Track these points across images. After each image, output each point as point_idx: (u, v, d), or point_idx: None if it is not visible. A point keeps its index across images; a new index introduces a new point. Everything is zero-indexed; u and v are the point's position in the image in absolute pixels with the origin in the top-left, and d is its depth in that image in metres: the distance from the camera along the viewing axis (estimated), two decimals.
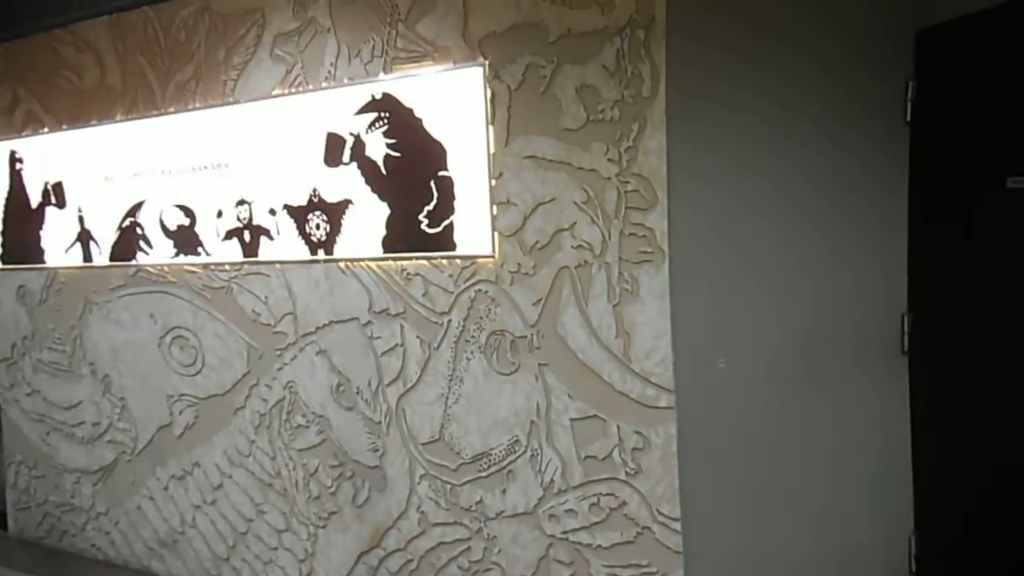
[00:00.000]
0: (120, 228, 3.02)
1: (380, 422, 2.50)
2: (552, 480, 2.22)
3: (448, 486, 2.40)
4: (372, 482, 2.54)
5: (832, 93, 2.06)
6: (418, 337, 2.40)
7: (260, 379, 2.75)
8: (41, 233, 3.25)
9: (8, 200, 3.33)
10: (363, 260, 2.47)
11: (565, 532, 2.22)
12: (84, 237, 3.12)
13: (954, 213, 2.10)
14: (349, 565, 2.61)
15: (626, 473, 2.11)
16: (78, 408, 3.26)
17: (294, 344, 2.66)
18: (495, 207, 2.22)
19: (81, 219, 3.12)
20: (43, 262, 3.27)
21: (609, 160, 2.04)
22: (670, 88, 1.95)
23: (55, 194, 3.18)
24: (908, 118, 2.12)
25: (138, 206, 2.95)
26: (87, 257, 3.13)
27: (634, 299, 2.05)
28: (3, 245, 3.38)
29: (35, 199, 3.24)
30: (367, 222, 2.43)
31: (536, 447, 2.24)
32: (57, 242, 3.21)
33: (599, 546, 2.17)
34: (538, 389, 2.22)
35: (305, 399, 2.65)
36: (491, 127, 2.19)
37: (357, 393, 2.54)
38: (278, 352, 2.69)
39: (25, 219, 3.28)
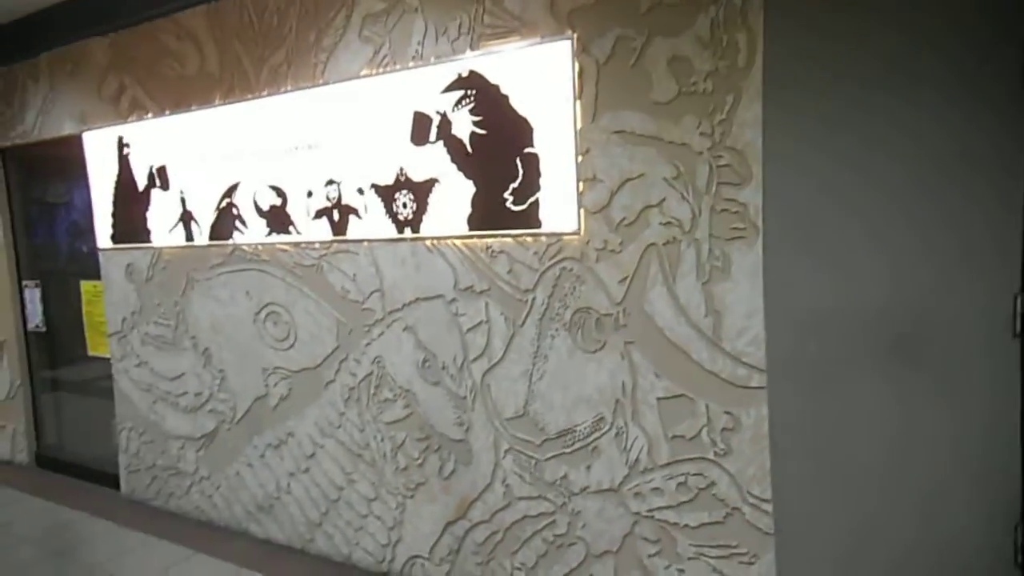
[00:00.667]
0: (218, 209, 3.17)
1: (465, 397, 2.55)
2: (638, 458, 2.22)
3: (533, 461, 2.43)
4: (458, 455, 2.60)
5: (950, 53, 1.93)
6: (503, 314, 2.43)
7: (349, 354, 2.85)
8: (147, 214, 3.46)
9: (118, 183, 3.55)
10: (449, 238, 2.51)
11: (651, 510, 2.21)
12: (186, 218, 3.30)
13: None
14: (436, 534, 2.69)
15: (715, 453, 2.08)
16: (181, 379, 3.47)
17: (381, 320, 2.73)
18: (581, 184, 2.20)
19: (183, 200, 3.29)
20: (149, 242, 3.48)
21: (701, 134, 1.99)
22: (767, 57, 1.87)
23: (159, 177, 3.36)
24: None
25: (234, 187, 3.09)
26: (189, 236, 3.30)
27: (725, 277, 2.01)
28: (113, 226, 3.62)
29: (142, 182, 3.44)
30: (453, 200, 2.46)
31: (622, 425, 2.23)
32: (162, 223, 3.41)
33: (686, 525, 2.15)
34: (624, 367, 2.21)
35: (392, 374, 2.73)
36: (578, 102, 2.17)
37: (443, 369, 2.60)
38: (366, 328, 2.78)
39: (133, 201, 3.49)
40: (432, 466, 2.67)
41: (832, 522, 2.05)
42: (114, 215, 3.60)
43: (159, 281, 3.49)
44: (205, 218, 3.23)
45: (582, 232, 2.22)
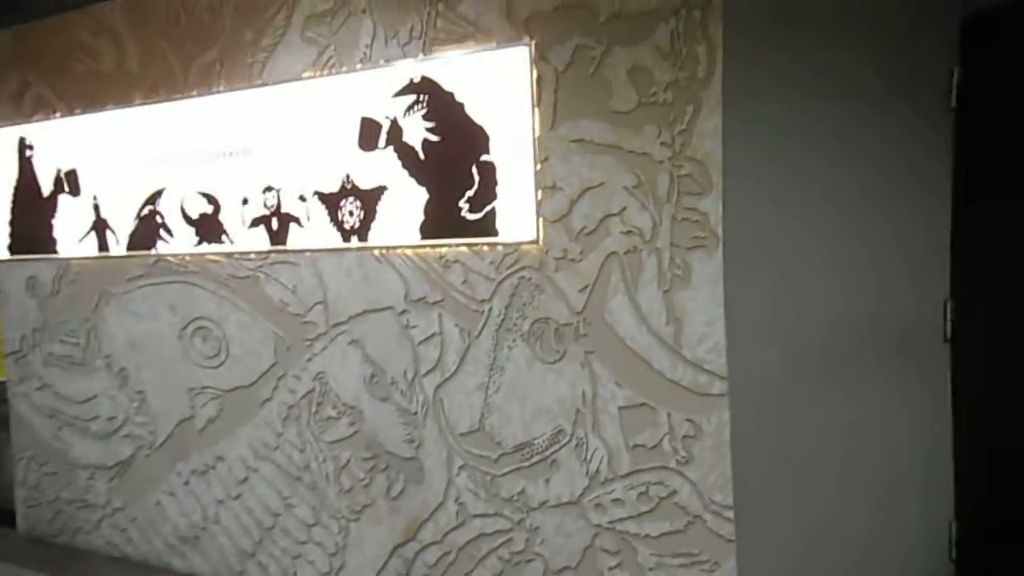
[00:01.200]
0: (139, 217, 2.94)
1: (416, 413, 2.46)
2: (598, 469, 2.19)
3: (488, 476, 2.36)
4: (407, 474, 2.50)
5: (889, 70, 2.04)
6: (457, 326, 2.36)
7: (288, 370, 2.69)
8: (53, 222, 3.16)
9: (17, 188, 3.23)
10: (399, 247, 2.42)
11: (612, 522, 2.19)
12: (100, 226, 3.04)
13: (998, 198, 2.10)
14: (383, 558, 2.56)
15: (676, 462, 2.09)
16: (93, 402, 3.18)
17: (325, 334, 2.60)
18: (540, 192, 2.18)
19: (97, 208, 3.03)
20: (55, 252, 3.18)
21: (662, 143, 2.01)
22: (726, 69, 1.92)
23: (68, 182, 3.09)
24: (953, 104, 2.11)
25: (158, 194, 2.87)
26: (103, 247, 3.04)
27: (686, 285, 2.02)
28: (11, 235, 3.29)
29: (47, 187, 3.15)
30: (404, 208, 2.38)
31: (582, 436, 2.20)
32: (70, 231, 3.12)
33: (647, 535, 2.14)
34: (584, 377, 2.19)
35: (336, 390, 2.60)
36: (537, 110, 2.15)
37: (392, 384, 2.49)
38: (307, 343, 2.63)
39: (36, 208, 3.19)
40: (379, 486, 2.55)
41: (791, 527, 2.10)
42: (12, 223, 3.28)
43: (67, 295, 3.19)
44: (123, 227, 2.98)
45: (541, 241, 2.19)
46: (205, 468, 2.92)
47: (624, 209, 2.08)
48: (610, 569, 2.20)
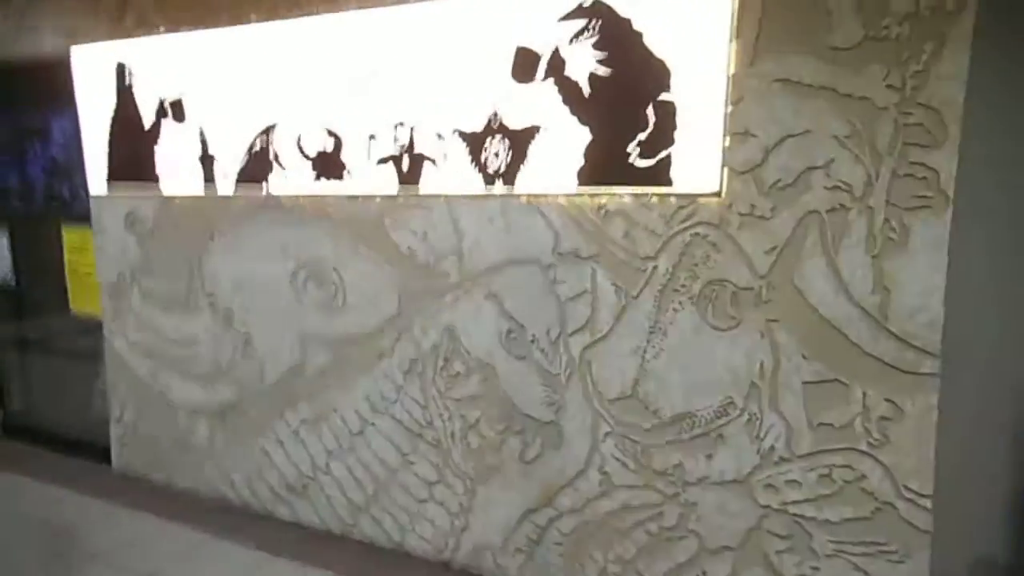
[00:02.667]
0: (250, 152, 2.74)
1: (558, 374, 2.28)
2: (773, 447, 2.01)
3: (639, 447, 2.19)
4: (545, 438, 2.34)
5: None
6: (613, 284, 2.16)
7: (413, 322, 2.52)
8: (155, 155, 2.99)
9: (116, 118, 3.05)
10: (551, 195, 2.20)
11: (784, 504, 2.02)
12: (207, 160, 2.85)
13: None
14: (512, 523, 2.44)
15: (869, 444, 1.89)
16: (194, 342, 3.06)
17: (457, 286, 2.41)
18: (728, 138, 1.93)
19: (203, 140, 2.84)
20: (157, 187, 3.01)
21: (888, 87, 1.74)
22: (984, 1, 1.64)
23: (173, 112, 2.89)
24: None
25: (272, 127, 2.67)
26: (210, 182, 2.87)
27: (901, 250, 1.79)
28: (110, 168, 3.12)
29: (149, 116, 2.96)
30: (560, 151, 2.15)
31: (755, 411, 2.02)
32: (174, 165, 2.95)
33: (826, 520, 1.97)
34: (763, 347, 1.98)
35: (467, 346, 2.43)
36: (734, 43, 1.89)
37: (532, 342, 2.31)
38: (436, 294, 2.46)
39: (136, 140, 3.01)
40: (511, 449, 2.41)
41: (996, 522, 1.91)
42: (111, 154, 3.11)
43: (169, 232, 3.04)
44: (232, 162, 2.80)
45: (724, 194, 1.96)
46: (316, 418, 2.80)
47: (831, 161, 1.83)
48: (778, 553, 2.05)
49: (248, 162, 2.76)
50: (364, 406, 2.68)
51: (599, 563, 2.31)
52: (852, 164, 1.81)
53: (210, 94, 2.79)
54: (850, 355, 1.88)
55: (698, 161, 1.97)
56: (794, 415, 1.97)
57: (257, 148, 2.72)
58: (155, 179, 3.00)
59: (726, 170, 1.95)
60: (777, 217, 1.91)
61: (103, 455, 3.46)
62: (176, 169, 2.94)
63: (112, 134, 3.07)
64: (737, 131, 1.92)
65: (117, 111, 3.04)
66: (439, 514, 2.58)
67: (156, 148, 2.97)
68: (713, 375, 2.06)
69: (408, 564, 2.63)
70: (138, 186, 3.05)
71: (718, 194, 1.96)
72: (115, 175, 3.11)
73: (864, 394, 1.88)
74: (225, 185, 2.83)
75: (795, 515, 2.01)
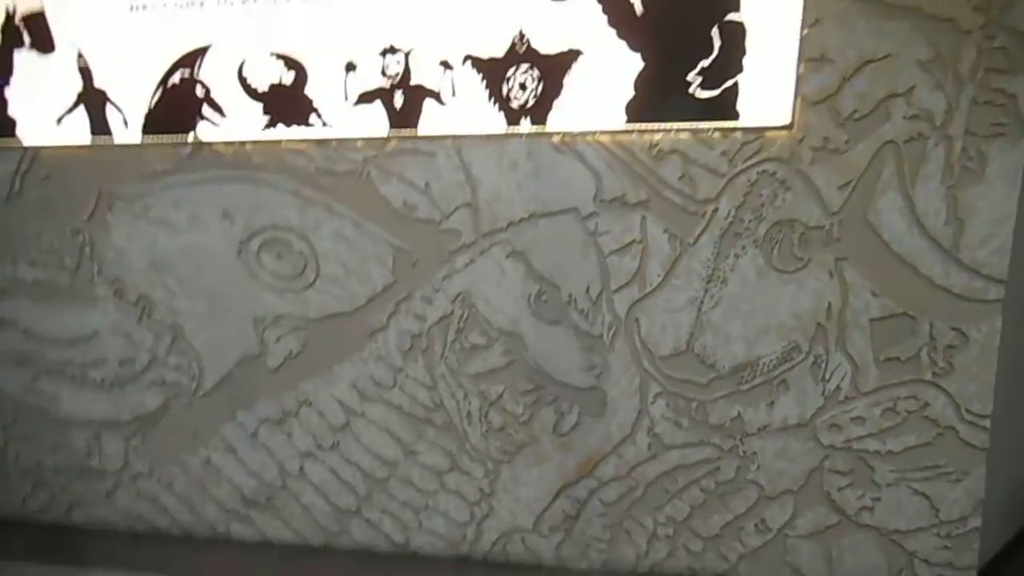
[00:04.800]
0: (164, 85, 2.10)
1: (601, 336, 2.06)
2: (838, 387, 1.97)
3: (693, 404, 2.06)
4: (584, 406, 2.12)
5: None
6: (666, 231, 1.95)
7: (413, 291, 2.13)
8: (6, 93, 2.20)
9: None
10: (592, 133, 1.92)
11: (847, 441, 2.00)
12: (93, 99, 2.15)
13: None
14: (546, 500, 2.21)
15: (933, 373, 1.92)
16: (92, 342, 2.37)
17: (471, 245, 2.06)
18: (802, 64, 1.78)
19: (86, 72, 2.13)
20: (12, 137, 2.23)
21: (975, 8, 1.68)
22: None
23: (30, 30, 2.13)
24: None
25: (200, 52, 2.06)
26: (99, 129, 2.17)
27: (977, 179, 1.78)
28: None
29: None
30: (603, 81, 1.87)
31: (821, 353, 1.96)
32: (38, 108, 2.19)
33: (889, 452, 1.98)
34: (831, 287, 1.91)
35: (486, 314, 2.10)
36: None
37: (568, 303, 2.05)
38: (444, 257, 2.09)
39: None
40: (543, 422, 2.16)
41: None
42: None
43: (38, 198, 2.28)
44: (135, 100, 2.13)
45: (796, 127, 1.82)
46: (282, 416, 2.31)
47: (912, 88, 1.76)
48: (839, 490, 2.04)
49: (161, 101, 2.12)
50: (350, 395, 2.25)
51: (648, 528, 2.17)
52: (933, 91, 1.75)
53: (91, 6, 2.08)
54: (919, 288, 1.87)
55: (768, 91, 1.80)
56: (860, 353, 1.94)
57: (175, 81, 2.10)
58: (9, 127, 2.22)
59: (799, 100, 1.80)
60: (852, 150, 1.82)
61: None
62: (43, 111, 2.19)
63: None
64: (812, 56, 1.78)
65: None
66: (454, 504, 2.27)
67: (6, 82, 2.19)
68: (776, 320, 1.96)
69: (416, 564, 2.31)
70: None
71: (789, 127, 1.82)
72: None
73: (931, 325, 1.89)
74: (126, 133, 2.16)
75: (859, 451, 2.00)
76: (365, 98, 2.00)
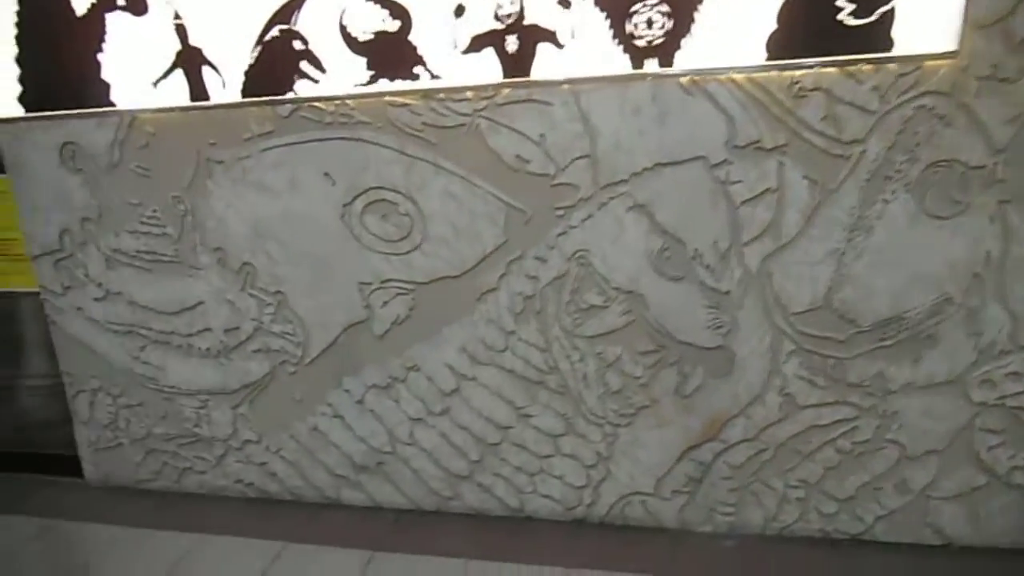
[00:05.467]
0: (261, 42, 2.01)
1: (729, 292, 1.94)
2: (993, 341, 1.83)
3: (830, 361, 1.94)
4: (709, 366, 2.02)
5: None
6: (806, 177, 1.81)
7: (526, 251, 2.04)
8: (100, 56, 2.14)
9: (24, 5, 2.13)
10: (726, 72, 1.77)
11: (1001, 398, 1.86)
12: (190, 60, 2.08)
13: None
14: (668, 464, 2.13)
15: None
16: (196, 311, 2.35)
17: (589, 200, 1.95)
18: None
19: (181, 31, 2.05)
20: (108, 103, 2.18)
21: None
22: None
23: None
24: None
25: (295, 4, 1.96)
26: (198, 92, 2.10)
27: None
28: (24, 80, 2.21)
29: (83, 4, 2.09)
30: (740, 15, 1.71)
31: (976, 304, 1.81)
32: (134, 71, 2.13)
33: None
34: (991, 233, 1.75)
35: (604, 272, 2.00)
36: None
37: (693, 258, 1.93)
38: (560, 212, 1.98)
39: (65, 36, 2.13)
40: (664, 384, 2.06)
41: None
42: (22, 61, 2.19)
43: (138, 166, 2.24)
44: (232, 60, 2.05)
45: (961, 54, 1.64)
46: (390, 381, 2.27)
47: None
48: (989, 449, 1.91)
49: (260, 59, 2.03)
50: (460, 359, 2.19)
51: (778, 491, 2.08)
52: None
53: None
54: None
55: (930, 14, 1.62)
56: (1020, 304, 1.78)
57: (273, 36, 2.00)
58: (104, 91, 2.17)
59: (966, 24, 1.62)
60: (1023, 79, 1.63)
61: (70, 467, 2.70)
62: (138, 75, 2.13)
63: (22, 30, 2.15)
64: None
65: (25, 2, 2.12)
66: (569, 468, 2.21)
67: (100, 46, 2.12)
68: (928, 271, 1.81)
69: (531, 528, 2.27)
70: (76, 103, 2.19)
71: (953, 55, 1.64)
72: (35, 91, 2.22)
73: None
74: (223, 93, 2.09)
75: (1013, 408, 1.86)
76: (476, 44, 1.88)
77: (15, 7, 2.12)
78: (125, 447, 2.59)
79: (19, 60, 2.18)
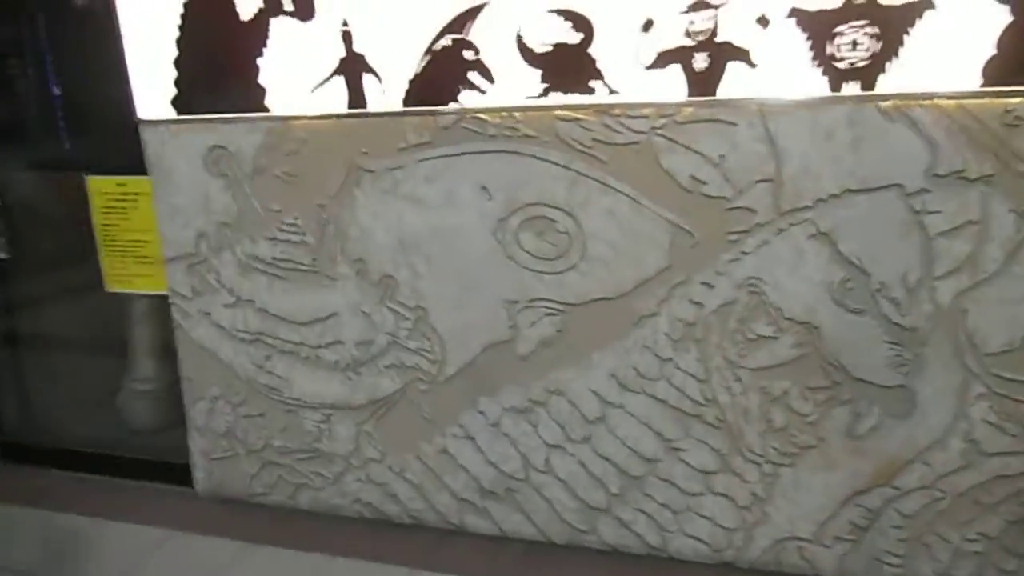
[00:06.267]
0: (431, 52, 1.97)
1: (916, 328, 1.82)
2: None
3: None
4: (885, 406, 1.90)
5: None
6: (1013, 211, 1.70)
7: (691, 275, 1.95)
8: (258, 61, 2.12)
9: (190, 8, 2.12)
10: (935, 97, 1.68)
11: None
12: (352, 67, 2.05)
13: None
14: (831, 508, 2.00)
15: None
16: (329, 322, 2.30)
17: (766, 225, 1.86)
18: None
19: (347, 37, 2.02)
20: (262, 108, 2.16)
21: None
22: None
23: (296, 2, 2.03)
24: None
25: (471, 13, 1.92)
26: (356, 100, 2.07)
27: None
28: (180, 83, 2.20)
29: (250, 5, 2.07)
30: (957, 37, 1.63)
31: None
32: (290, 77, 2.11)
33: None
34: None
35: (777, 301, 1.90)
36: None
37: (878, 291, 1.83)
38: (732, 237, 1.89)
39: (227, 40, 2.12)
40: (836, 423, 1.94)
41: None
42: (181, 64, 2.19)
43: (283, 173, 2.20)
44: (396, 68, 2.01)
45: None
46: (528, 405, 2.18)
47: None
48: None
49: (426, 68, 1.99)
50: (608, 385, 2.09)
51: (952, 543, 1.94)
52: None
53: None
54: None
55: None
56: None
57: (443, 46, 1.96)
58: (258, 96, 2.14)
59: None
60: None
61: (179, 474, 2.64)
62: (296, 80, 2.10)
63: (184, 32, 2.14)
64: None
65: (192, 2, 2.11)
66: (721, 508, 2.09)
67: (261, 50, 2.10)
68: None
69: (673, 569, 2.15)
70: (229, 108, 2.17)
71: None
72: (190, 93, 2.20)
73: None
74: (383, 101, 2.05)
75: None
76: (662, 60, 1.82)
77: (180, 10, 2.11)
78: (240, 458, 2.53)
79: (177, 63, 2.17)
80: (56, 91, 2.44)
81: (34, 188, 2.63)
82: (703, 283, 1.95)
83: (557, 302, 2.08)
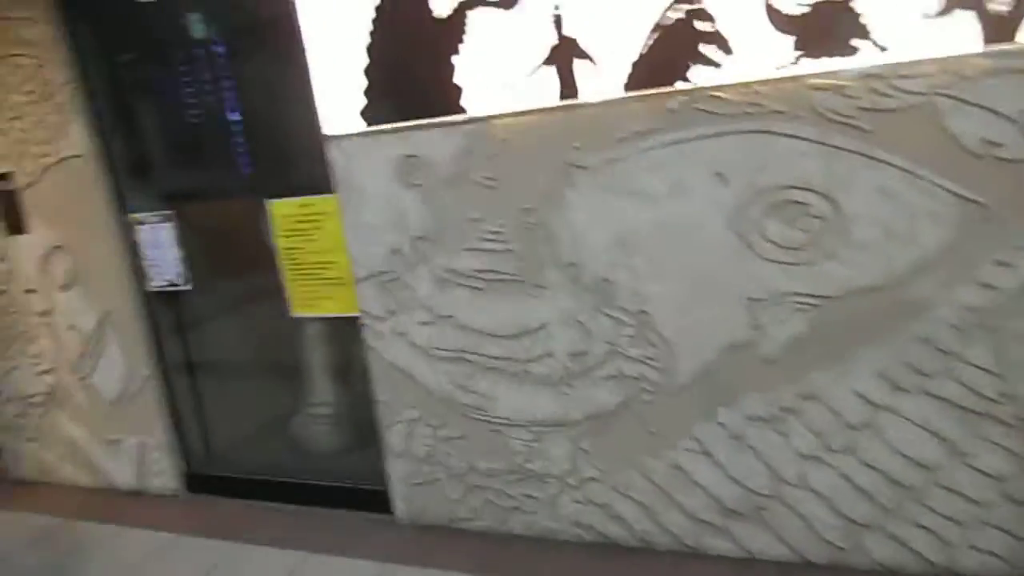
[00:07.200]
0: (657, 28, 1.77)
1: None
2: None
3: None
4: None
5: None
6: None
7: (979, 256, 1.67)
8: (455, 60, 1.96)
9: (383, 10, 1.98)
10: None
11: None
12: (563, 54, 1.86)
13: None
14: None
15: None
16: (537, 334, 2.13)
17: None
18: None
19: (558, 21, 1.84)
20: (458, 110, 2.00)
21: None
22: None
23: None
24: None
25: None
26: (567, 90, 1.88)
27: None
28: (369, 94, 2.07)
29: (446, 2, 1.92)
30: None
31: None
32: (490, 72, 1.94)
33: None
34: None
35: None
36: None
37: None
38: None
39: (421, 40, 1.97)
40: None
41: None
42: (371, 72, 2.06)
43: (483, 178, 2.04)
44: (614, 52, 1.81)
45: None
46: (777, 413, 1.95)
47: None
48: None
49: (653, 47, 1.78)
50: (875, 386, 1.84)
51: None
52: None
53: None
54: None
55: None
56: None
57: (671, 20, 1.75)
58: (454, 97, 1.99)
59: None
60: None
61: (377, 502, 2.54)
62: (497, 77, 1.93)
63: (376, 36, 2.01)
64: None
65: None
66: (1019, 518, 1.81)
67: (457, 47, 1.95)
68: None
69: None
70: (422, 114, 2.03)
71: None
72: (379, 104, 2.07)
73: None
74: (599, 88, 1.85)
75: None
76: (951, 4, 1.55)
77: (371, 15, 1.98)
78: (442, 483, 2.40)
79: (367, 71, 2.04)
80: (235, 116, 2.36)
81: (214, 215, 2.59)
82: (997, 262, 1.67)
83: (810, 295, 1.84)
